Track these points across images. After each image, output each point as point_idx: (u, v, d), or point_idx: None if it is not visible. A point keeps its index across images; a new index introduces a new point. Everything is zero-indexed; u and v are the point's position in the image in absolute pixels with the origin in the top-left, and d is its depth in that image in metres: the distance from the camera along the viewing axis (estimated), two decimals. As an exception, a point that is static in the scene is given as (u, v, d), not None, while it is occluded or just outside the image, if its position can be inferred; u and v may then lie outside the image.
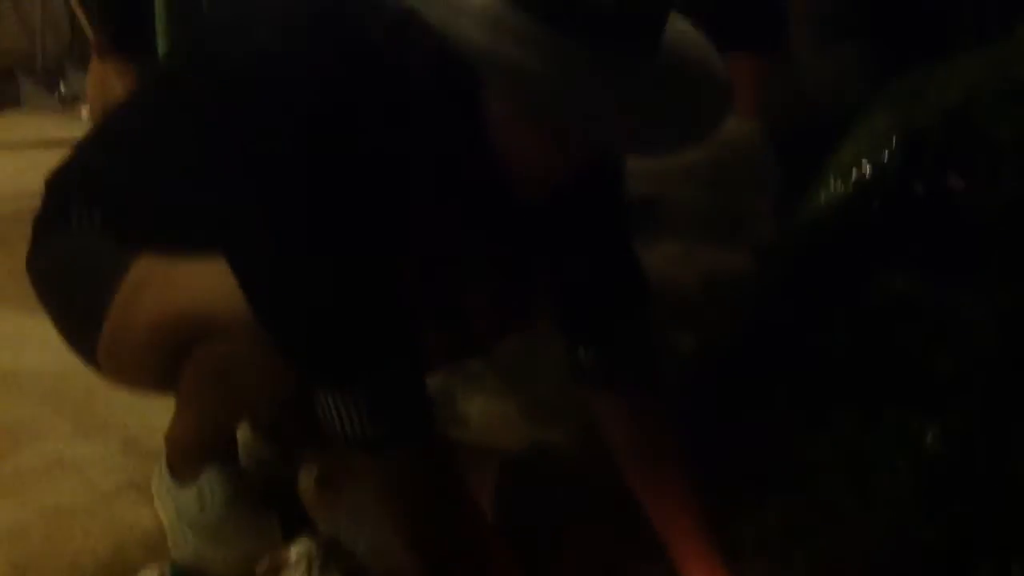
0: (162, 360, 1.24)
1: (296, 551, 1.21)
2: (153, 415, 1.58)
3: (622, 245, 1.33)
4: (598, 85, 0.97)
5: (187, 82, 1.23)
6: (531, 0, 0.96)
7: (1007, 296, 1.46)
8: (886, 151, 1.48)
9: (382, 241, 1.10)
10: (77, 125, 4.01)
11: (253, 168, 1.09)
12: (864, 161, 1.50)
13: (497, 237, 1.26)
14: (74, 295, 1.31)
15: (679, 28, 1.11)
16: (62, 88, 4.58)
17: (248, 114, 1.10)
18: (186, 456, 1.41)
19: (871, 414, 1.41)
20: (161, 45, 3.08)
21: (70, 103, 4.48)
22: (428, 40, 0.98)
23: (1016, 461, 1.28)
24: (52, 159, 1.36)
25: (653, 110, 1.01)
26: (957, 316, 1.46)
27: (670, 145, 1.09)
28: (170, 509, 1.42)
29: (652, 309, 1.34)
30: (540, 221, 1.23)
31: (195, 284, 1.19)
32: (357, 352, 1.09)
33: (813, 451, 1.41)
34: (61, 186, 1.34)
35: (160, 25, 3.03)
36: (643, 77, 1.01)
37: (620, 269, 1.32)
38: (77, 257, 1.30)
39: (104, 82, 4.35)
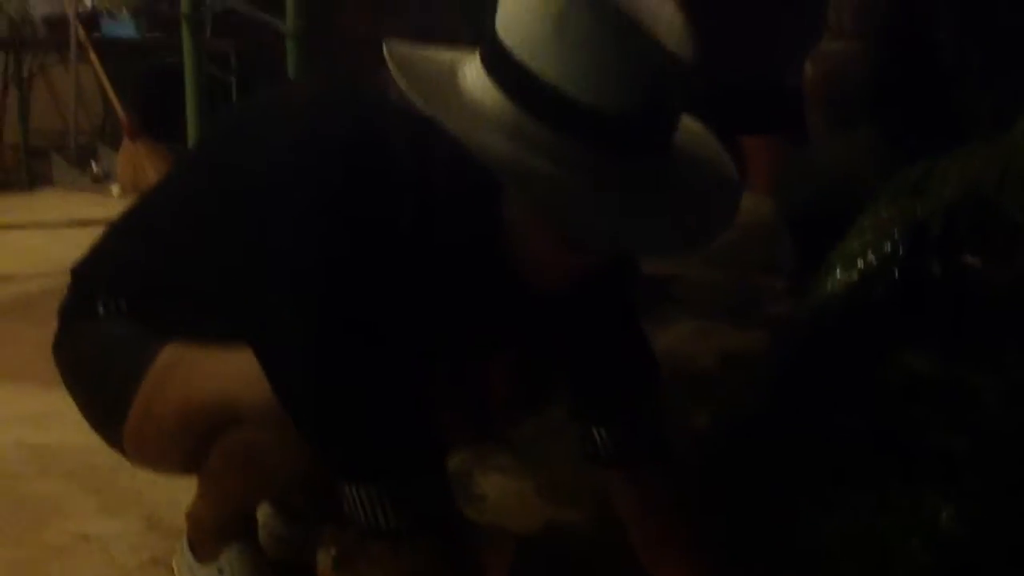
0: (189, 445, 1.26)
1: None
2: (176, 492, 1.60)
3: (634, 331, 1.36)
4: (608, 189, 1.00)
5: (216, 175, 1.26)
6: (546, 109, 0.99)
7: (1018, 371, 1.48)
8: (888, 243, 1.52)
9: (409, 338, 1.12)
10: (108, 203, 4.10)
11: (283, 266, 1.12)
12: (868, 252, 1.53)
13: (515, 328, 1.28)
14: (100, 381, 1.32)
15: (691, 129, 1.14)
16: (94, 167, 4.66)
17: (279, 213, 1.12)
18: (207, 535, 1.42)
19: (886, 493, 1.42)
20: (191, 132, 3.17)
21: (101, 181, 4.56)
22: (449, 148, 1.00)
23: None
24: (83, 236, 1.38)
25: (662, 213, 1.04)
26: (973, 396, 1.47)
27: (678, 247, 1.12)
28: (190, 586, 1.44)
29: (662, 389, 1.37)
30: (556, 311, 1.25)
31: (223, 371, 1.21)
32: (384, 448, 1.12)
33: (828, 529, 1.42)
34: (87, 275, 1.37)
35: (190, 113, 3.12)
36: (653, 181, 1.04)
37: (632, 354, 1.35)
38: (103, 344, 1.32)
39: (134, 162, 4.46)
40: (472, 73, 1.05)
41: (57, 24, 4.97)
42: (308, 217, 1.10)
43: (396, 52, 1.06)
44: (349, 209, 1.10)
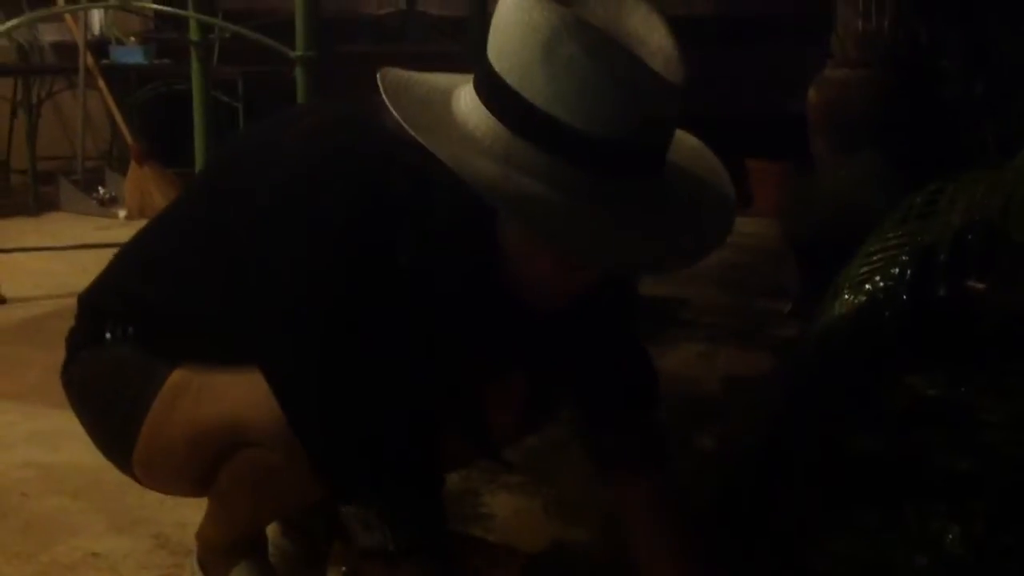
0: (199, 467, 1.28)
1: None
2: (185, 511, 1.62)
3: (633, 343, 1.38)
4: (601, 209, 1.02)
5: (217, 204, 1.28)
6: (536, 132, 1.01)
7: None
8: (895, 267, 1.53)
9: (412, 364, 1.14)
10: (115, 228, 4.12)
11: (286, 296, 1.15)
12: (876, 276, 1.55)
13: (517, 349, 1.29)
14: (109, 407, 1.33)
15: (688, 145, 1.16)
16: (101, 192, 4.68)
17: (280, 244, 1.16)
18: (217, 554, 1.42)
19: (892, 513, 1.43)
20: (198, 157, 3.20)
21: (109, 206, 4.58)
22: (443, 174, 1.01)
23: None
24: (90, 259, 1.39)
25: (655, 230, 1.06)
26: (979, 419, 1.48)
27: (671, 264, 1.15)
28: (200, 605, 1.45)
29: (662, 402, 1.39)
30: (557, 329, 1.26)
31: (232, 393, 1.22)
32: (382, 472, 1.14)
33: (835, 549, 1.43)
34: (95, 302, 1.37)
35: (198, 139, 3.15)
36: (646, 199, 1.06)
37: (632, 365, 1.37)
38: (111, 370, 1.33)
39: (142, 187, 4.49)
40: (466, 98, 1.07)
41: (66, 50, 5.01)
42: (308, 248, 1.13)
43: (389, 77, 1.08)
44: (348, 239, 1.12)
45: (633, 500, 1.36)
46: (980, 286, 1.68)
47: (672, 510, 1.36)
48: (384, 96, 1.04)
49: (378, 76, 1.07)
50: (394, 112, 1.02)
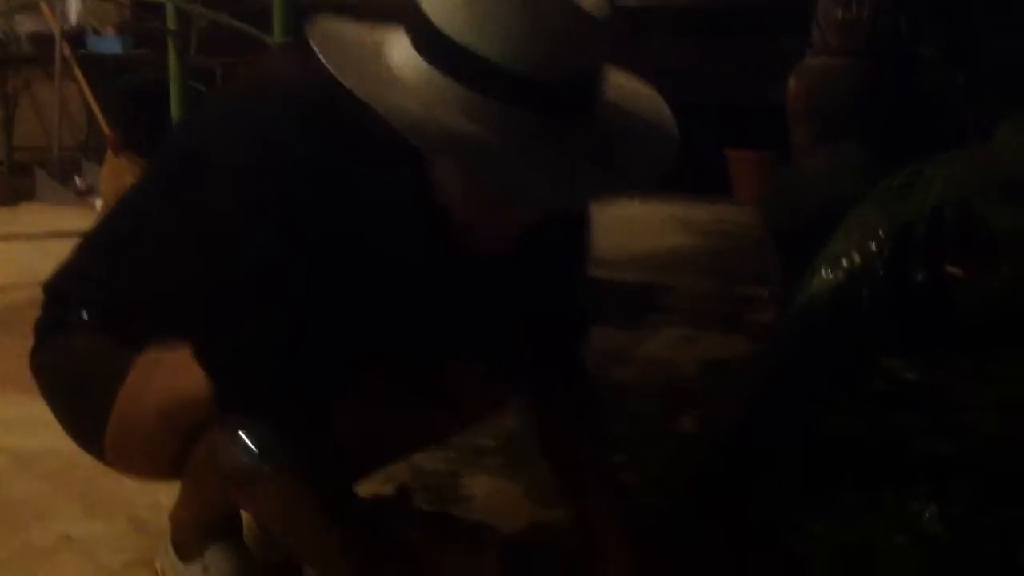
0: (169, 448, 1.26)
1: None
2: (159, 495, 1.61)
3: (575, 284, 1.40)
4: (528, 145, 1.03)
5: (173, 181, 1.29)
6: (462, 70, 1.02)
7: (1005, 382, 1.49)
8: (873, 243, 1.54)
9: (344, 311, 1.15)
10: (91, 217, 4.09)
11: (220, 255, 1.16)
12: (853, 252, 1.55)
13: (464, 299, 1.28)
14: (78, 392, 1.33)
15: (630, 87, 1.17)
16: (78, 182, 4.64)
17: (219, 208, 1.17)
18: (191, 535, 1.42)
19: (872, 494, 1.43)
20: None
21: (85, 196, 4.55)
22: (376, 118, 1.01)
23: (1011, 537, 1.30)
24: (66, 249, 1.39)
25: (582, 165, 1.06)
26: (957, 403, 1.48)
27: (595, 195, 1.16)
28: (175, 585, 1.43)
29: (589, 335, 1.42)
30: (501, 276, 1.27)
31: (200, 371, 1.21)
32: (272, 387, 1.15)
33: (815, 530, 1.43)
34: (59, 289, 1.37)
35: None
36: (575, 135, 1.06)
37: (569, 302, 1.40)
38: (79, 356, 1.32)
39: (118, 177, 4.44)
40: (399, 44, 1.08)
41: (42, 41, 4.97)
42: (242, 217, 1.14)
43: (320, 27, 1.09)
44: (281, 201, 1.13)
45: (565, 451, 1.39)
46: (958, 271, 1.69)
47: (607, 470, 1.40)
48: (313, 42, 1.05)
49: (307, 26, 1.08)
50: (321, 57, 1.03)
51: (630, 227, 3.70)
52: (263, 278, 1.15)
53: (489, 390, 1.43)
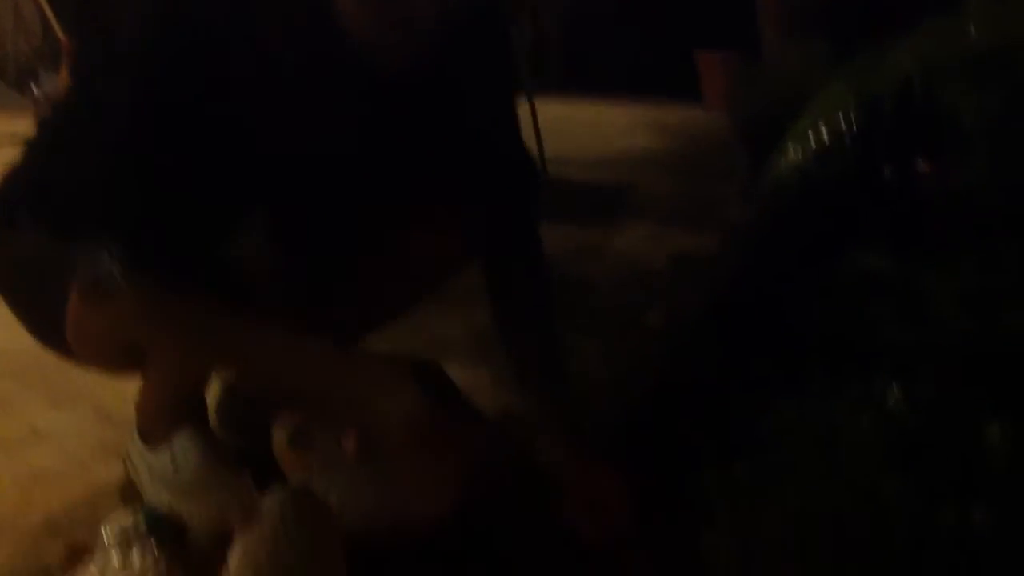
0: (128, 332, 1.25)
1: (269, 502, 1.21)
2: (126, 386, 1.59)
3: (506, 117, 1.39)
4: None
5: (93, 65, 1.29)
6: None
7: (969, 274, 1.50)
8: (842, 116, 1.53)
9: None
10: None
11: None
12: (821, 126, 1.54)
13: (381, 114, 1.27)
14: (34, 293, 1.32)
15: None
16: (34, 89, 4.56)
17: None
18: (157, 422, 1.42)
19: (837, 379, 1.44)
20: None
21: (42, 104, 4.46)
22: None
23: (970, 418, 1.32)
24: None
25: None
26: (925, 297, 1.49)
27: None
28: (144, 472, 1.43)
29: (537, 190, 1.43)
30: (412, 98, 1.26)
31: None
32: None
33: (780, 411, 1.44)
34: (6, 193, 1.35)
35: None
36: None
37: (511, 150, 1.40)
38: (32, 258, 1.31)
39: (76, 81, 4.38)
40: None
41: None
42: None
43: None
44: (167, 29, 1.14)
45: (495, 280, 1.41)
46: (925, 167, 1.69)
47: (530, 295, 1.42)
48: None
49: None
50: None
51: (597, 130, 3.68)
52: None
53: (444, 241, 1.43)
